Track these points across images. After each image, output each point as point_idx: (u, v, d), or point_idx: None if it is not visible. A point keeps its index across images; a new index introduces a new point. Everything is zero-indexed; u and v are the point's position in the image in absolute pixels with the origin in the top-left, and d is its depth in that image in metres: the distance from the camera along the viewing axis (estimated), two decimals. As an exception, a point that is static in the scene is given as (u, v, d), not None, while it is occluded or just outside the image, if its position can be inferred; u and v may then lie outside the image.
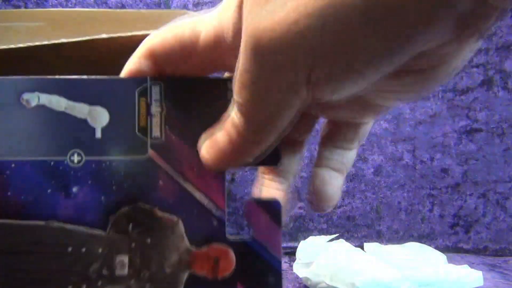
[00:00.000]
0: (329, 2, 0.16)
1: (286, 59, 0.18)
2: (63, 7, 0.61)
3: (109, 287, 0.23)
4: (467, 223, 0.68)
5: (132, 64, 0.23)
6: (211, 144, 0.22)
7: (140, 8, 0.62)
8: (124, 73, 0.24)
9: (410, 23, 0.16)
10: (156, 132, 0.24)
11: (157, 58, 0.23)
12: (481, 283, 0.45)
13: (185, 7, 0.63)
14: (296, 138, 0.26)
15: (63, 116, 0.23)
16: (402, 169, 0.67)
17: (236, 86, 0.19)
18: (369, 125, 0.25)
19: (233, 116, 0.20)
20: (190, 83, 0.24)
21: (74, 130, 0.23)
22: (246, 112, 0.19)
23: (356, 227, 0.67)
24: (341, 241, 0.51)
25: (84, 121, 0.23)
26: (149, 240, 0.24)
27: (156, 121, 0.24)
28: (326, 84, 0.18)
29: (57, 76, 0.23)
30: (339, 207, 0.67)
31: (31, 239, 0.23)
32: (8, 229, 0.23)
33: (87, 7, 0.61)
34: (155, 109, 0.24)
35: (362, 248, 0.51)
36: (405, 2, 0.16)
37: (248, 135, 0.20)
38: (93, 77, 0.23)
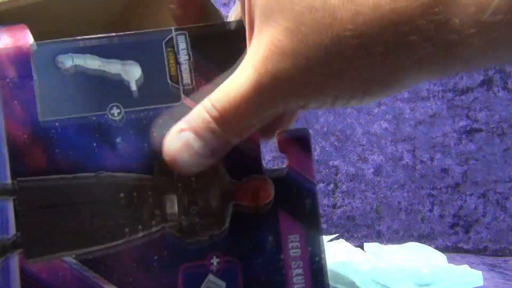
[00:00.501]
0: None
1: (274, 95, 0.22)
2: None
3: (162, 225, 0.25)
4: (467, 223, 0.68)
5: None
6: (184, 147, 0.23)
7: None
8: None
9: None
10: (186, 79, 0.25)
11: None
12: (481, 283, 0.45)
13: (185, 7, 0.63)
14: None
15: (98, 74, 0.25)
16: (402, 169, 0.67)
17: (217, 94, 0.23)
18: None
19: (207, 119, 0.22)
20: (213, 30, 0.26)
21: (110, 85, 0.25)
22: (224, 122, 0.22)
23: (356, 227, 0.67)
24: (341, 241, 0.51)
25: (119, 76, 0.25)
26: (193, 179, 0.25)
27: (185, 69, 0.25)
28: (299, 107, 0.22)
29: (87, 36, 0.25)
30: (339, 207, 0.67)
31: (84, 191, 0.25)
32: (61, 184, 0.25)
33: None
34: (182, 57, 0.25)
35: (362, 248, 0.51)
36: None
37: (227, 138, 0.23)
38: (121, 33, 0.25)
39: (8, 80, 0.24)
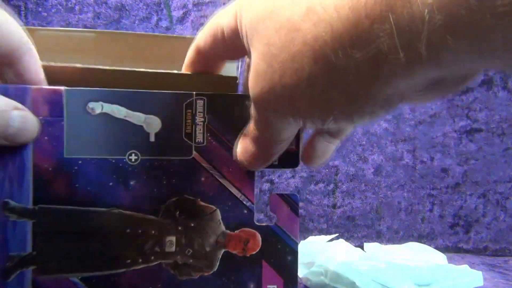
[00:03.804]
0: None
1: (281, 112, 0.24)
2: (63, 7, 0.61)
3: (160, 261, 0.29)
4: (467, 223, 0.68)
5: (187, 61, 0.29)
6: (244, 150, 0.28)
7: (140, 8, 0.62)
8: (184, 66, 0.30)
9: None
10: (199, 138, 0.29)
11: (202, 52, 0.29)
12: (481, 283, 0.45)
13: (185, 7, 0.63)
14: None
15: (123, 122, 0.28)
16: (402, 169, 0.67)
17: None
18: None
19: (253, 129, 0.27)
20: (228, 98, 0.29)
21: (132, 134, 0.28)
22: (259, 134, 0.27)
23: (356, 227, 0.67)
24: (341, 241, 0.51)
25: (140, 127, 0.28)
26: (192, 224, 0.29)
27: (199, 129, 0.29)
28: (310, 124, 0.25)
29: (118, 89, 0.28)
30: (339, 207, 0.67)
31: (96, 222, 0.28)
32: (76, 215, 0.28)
33: (87, 7, 0.61)
34: (198, 119, 0.29)
35: (362, 248, 0.51)
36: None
37: (267, 143, 0.27)
38: (148, 91, 0.28)
39: (41, 117, 0.27)
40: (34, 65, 0.27)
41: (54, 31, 0.32)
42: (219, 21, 0.27)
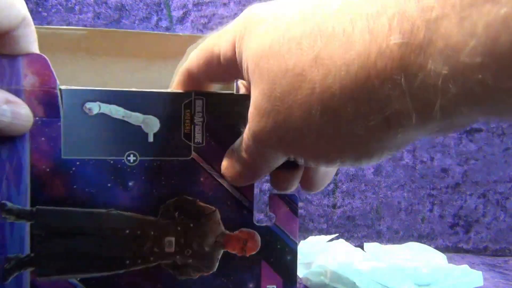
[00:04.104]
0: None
1: (272, 148, 0.24)
2: (63, 7, 0.61)
3: (159, 262, 0.29)
4: (467, 223, 0.68)
5: (177, 81, 0.29)
6: (230, 167, 0.28)
7: (140, 8, 0.62)
8: (171, 88, 0.29)
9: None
10: (198, 138, 0.29)
11: (193, 76, 0.28)
12: (481, 283, 0.45)
13: (185, 7, 0.63)
14: None
15: (121, 123, 0.28)
16: (402, 169, 0.67)
17: (244, 136, 0.26)
18: None
19: (242, 148, 0.26)
20: (226, 98, 0.29)
21: (130, 134, 0.28)
22: (249, 159, 0.26)
23: (356, 227, 0.67)
24: (341, 241, 0.51)
25: (139, 128, 0.28)
26: (191, 225, 0.29)
27: (198, 129, 0.29)
28: (313, 164, 0.25)
29: (116, 88, 0.28)
30: (339, 207, 0.67)
31: (95, 224, 0.28)
32: (75, 216, 0.28)
33: (87, 7, 0.61)
34: (197, 119, 0.29)
35: (362, 248, 0.51)
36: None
37: (254, 168, 0.27)
38: (147, 90, 0.28)
39: (37, 118, 0.27)
40: (31, 41, 0.26)
41: (45, 29, 0.32)
42: (214, 46, 0.26)
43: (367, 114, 0.19)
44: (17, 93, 0.26)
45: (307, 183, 0.31)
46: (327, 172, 0.31)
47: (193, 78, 0.28)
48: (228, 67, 0.26)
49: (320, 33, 0.20)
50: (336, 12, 0.20)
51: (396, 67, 0.17)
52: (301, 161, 0.25)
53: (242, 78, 0.26)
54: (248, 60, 0.23)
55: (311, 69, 0.20)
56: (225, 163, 0.28)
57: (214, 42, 0.26)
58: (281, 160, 0.26)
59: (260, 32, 0.23)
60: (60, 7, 0.62)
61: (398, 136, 0.20)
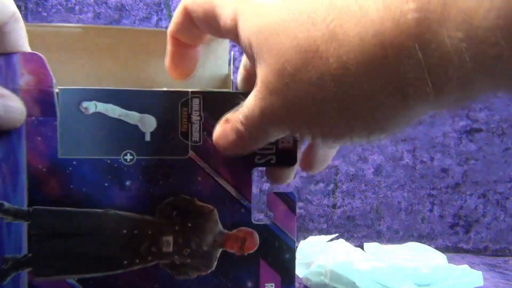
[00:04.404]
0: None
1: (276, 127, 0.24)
2: (63, 7, 0.60)
3: (157, 262, 0.29)
4: (467, 223, 0.68)
5: (174, 18, 0.27)
6: (223, 135, 0.27)
7: (140, 8, 0.62)
8: (170, 26, 0.28)
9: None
10: (195, 137, 0.28)
11: (189, 16, 0.26)
12: (481, 283, 0.45)
13: (185, 6, 0.63)
14: None
15: (117, 122, 0.28)
16: (402, 169, 0.67)
17: (245, 110, 0.25)
18: None
19: (240, 120, 0.25)
20: (224, 96, 0.29)
21: (126, 134, 0.28)
22: (247, 132, 0.25)
23: (356, 227, 0.67)
24: (341, 241, 0.51)
25: (135, 127, 0.28)
26: (189, 224, 0.29)
27: (195, 128, 0.28)
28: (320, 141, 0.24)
29: (112, 87, 0.28)
30: (339, 207, 0.66)
31: (92, 224, 0.28)
32: (72, 216, 0.28)
33: (87, 7, 0.61)
34: (194, 117, 0.28)
35: (362, 248, 0.51)
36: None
37: (249, 141, 0.26)
38: (143, 89, 0.28)
39: (33, 117, 0.27)
40: (20, 36, 0.26)
41: (40, 27, 0.32)
42: (216, 5, 0.24)
43: (383, 87, 0.19)
44: (13, 92, 0.26)
45: (307, 164, 0.30)
46: (327, 154, 0.30)
47: (190, 21, 0.27)
48: (226, 34, 0.25)
49: (332, 6, 0.19)
50: None
51: (411, 36, 0.17)
52: (307, 139, 0.24)
53: (240, 46, 0.25)
54: (252, 36, 0.22)
55: (324, 44, 0.19)
56: (218, 131, 0.27)
57: (217, 2, 0.25)
58: (281, 135, 0.25)
59: (266, 6, 0.22)
60: (60, 7, 0.61)
61: (413, 108, 0.19)
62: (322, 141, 0.24)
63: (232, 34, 0.24)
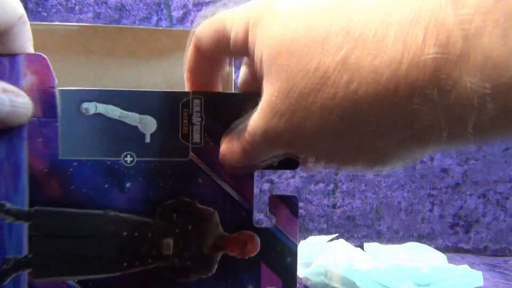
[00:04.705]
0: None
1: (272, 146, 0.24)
2: (63, 7, 0.60)
3: (157, 264, 0.28)
4: (467, 223, 0.68)
5: (188, 52, 0.28)
6: (229, 151, 0.27)
7: (140, 8, 0.62)
8: (185, 63, 0.28)
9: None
10: (196, 138, 0.28)
11: (202, 48, 0.27)
12: (481, 283, 0.45)
13: (185, 7, 0.63)
14: None
15: (117, 123, 0.28)
16: (402, 169, 0.67)
17: (249, 128, 0.25)
18: None
19: (246, 139, 0.25)
20: (225, 97, 0.28)
21: (127, 135, 0.28)
22: (252, 151, 0.25)
23: (356, 227, 0.67)
24: (341, 241, 0.51)
25: (136, 128, 0.28)
26: (190, 227, 0.28)
27: (196, 129, 0.28)
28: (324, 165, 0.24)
29: (112, 88, 0.28)
30: (339, 207, 0.66)
31: (92, 225, 0.28)
32: (72, 217, 0.28)
33: (87, 7, 0.61)
34: (195, 119, 0.28)
35: (362, 248, 0.51)
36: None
37: (254, 158, 0.26)
38: (143, 90, 0.28)
39: (35, 118, 0.27)
40: (26, 38, 0.26)
41: (39, 26, 0.32)
42: (227, 20, 0.24)
43: (391, 127, 0.18)
44: None
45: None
46: None
47: (202, 49, 0.27)
48: (237, 48, 0.24)
49: (347, 34, 0.19)
50: (366, 11, 0.18)
51: (428, 80, 0.16)
52: (311, 161, 0.24)
53: (250, 60, 0.24)
54: (263, 53, 0.22)
55: (334, 72, 0.19)
56: (225, 148, 0.27)
57: (227, 17, 0.25)
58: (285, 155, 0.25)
59: (279, 24, 0.21)
60: (60, 7, 0.61)
61: (425, 151, 0.19)
62: (324, 165, 0.23)
63: (242, 47, 0.24)
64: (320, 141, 0.21)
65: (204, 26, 0.26)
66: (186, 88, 0.29)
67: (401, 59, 0.17)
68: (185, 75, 0.29)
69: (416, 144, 0.19)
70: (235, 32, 0.24)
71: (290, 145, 0.23)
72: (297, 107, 0.20)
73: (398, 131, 0.18)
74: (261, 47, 0.22)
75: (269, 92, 0.22)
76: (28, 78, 0.26)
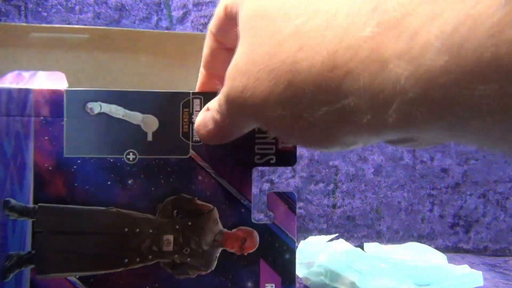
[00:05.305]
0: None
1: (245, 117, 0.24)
2: (63, 7, 0.61)
3: (157, 260, 0.29)
4: (467, 223, 0.68)
5: (205, 46, 0.28)
6: (203, 124, 0.27)
7: (140, 8, 0.62)
8: (203, 54, 0.28)
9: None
10: (196, 136, 0.29)
11: (216, 35, 0.27)
12: (481, 283, 0.45)
13: (185, 7, 0.63)
14: None
15: (121, 122, 0.29)
16: (402, 169, 0.67)
17: (218, 95, 0.25)
18: None
19: (216, 109, 0.26)
20: None
21: (130, 134, 0.29)
22: (221, 120, 0.26)
23: (356, 227, 0.67)
24: (341, 241, 0.51)
25: (138, 127, 0.29)
26: (190, 223, 0.29)
27: None
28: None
29: (116, 89, 0.29)
30: (339, 207, 0.67)
31: (94, 221, 0.29)
32: (75, 214, 0.28)
33: (87, 7, 0.61)
34: (195, 118, 0.29)
35: (362, 248, 0.51)
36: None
37: (224, 130, 0.26)
38: (146, 91, 0.29)
39: (42, 117, 0.28)
40: None
41: (47, 28, 0.33)
42: (227, 1, 0.25)
43: (322, 102, 0.18)
44: (26, 93, 0.28)
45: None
46: None
47: (213, 37, 0.27)
48: (232, 24, 0.24)
49: (307, 6, 0.19)
50: None
51: (360, 61, 0.17)
52: (269, 134, 0.24)
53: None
54: (240, 16, 0.23)
55: (288, 40, 0.19)
56: (198, 120, 0.28)
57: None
58: (251, 127, 0.26)
59: None
60: (60, 7, 0.62)
61: (348, 132, 0.19)
62: (281, 139, 0.24)
63: (234, 19, 0.24)
64: (267, 108, 0.21)
65: (215, 15, 0.27)
66: (201, 76, 0.29)
67: (342, 38, 0.17)
68: (202, 64, 0.29)
69: (341, 124, 0.19)
70: (229, 7, 0.25)
71: (245, 111, 0.23)
72: (254, 69, 0.21)
73: (327, 108, 0.18)
74: (241, 15, 0.23)
75: (237, 53, 0.22)
76: (41, 82, 0.28)
